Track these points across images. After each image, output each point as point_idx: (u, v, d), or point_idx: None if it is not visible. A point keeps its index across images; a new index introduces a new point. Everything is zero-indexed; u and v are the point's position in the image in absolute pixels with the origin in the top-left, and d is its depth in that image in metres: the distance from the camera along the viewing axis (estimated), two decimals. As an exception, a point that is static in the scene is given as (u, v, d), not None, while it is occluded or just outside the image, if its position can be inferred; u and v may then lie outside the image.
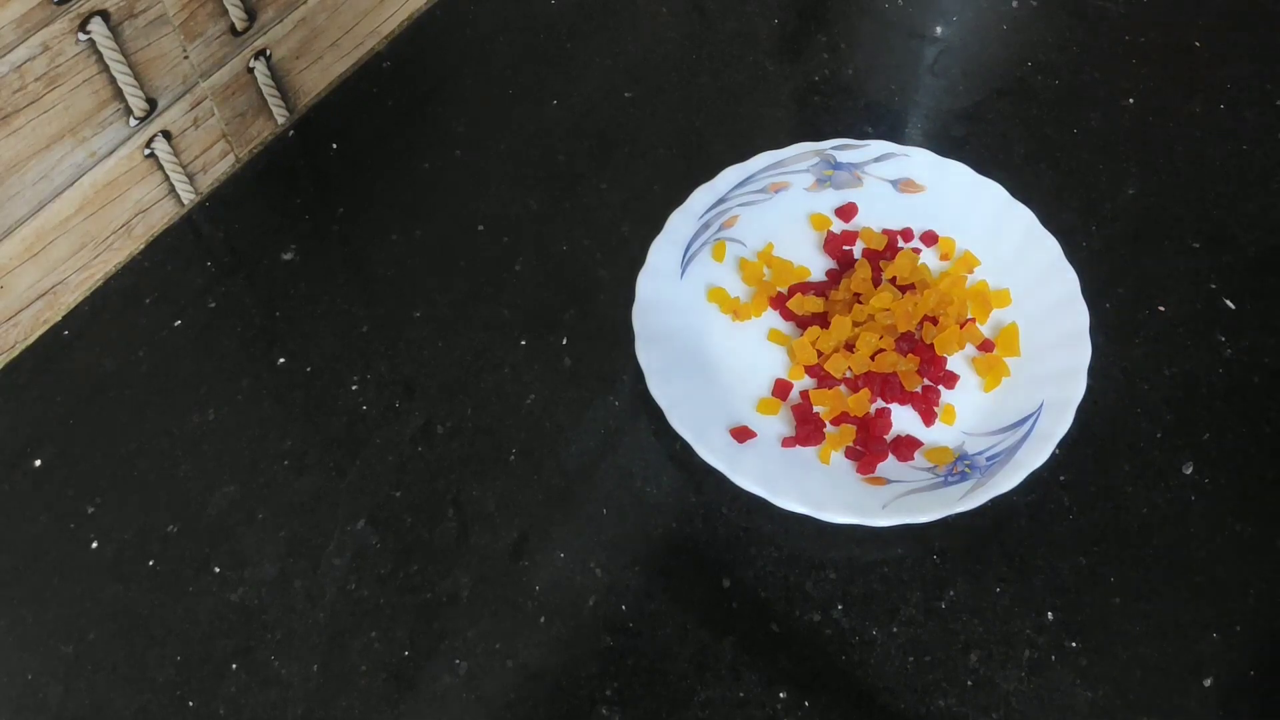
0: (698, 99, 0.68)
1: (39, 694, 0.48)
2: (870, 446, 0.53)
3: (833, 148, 0.62)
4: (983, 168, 0.61)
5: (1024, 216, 0.59)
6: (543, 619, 0.49)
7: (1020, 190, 0.60)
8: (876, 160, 0.62)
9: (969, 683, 0.47)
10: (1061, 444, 0.51)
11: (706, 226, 0.60)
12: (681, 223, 0.59)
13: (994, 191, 0.60)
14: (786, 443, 0.53)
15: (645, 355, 0.54)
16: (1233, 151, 0.64)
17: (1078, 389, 0.52)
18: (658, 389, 0.53)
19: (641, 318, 0.55)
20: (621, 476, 0.53)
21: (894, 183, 0.62)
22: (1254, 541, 0.51)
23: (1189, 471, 0.53)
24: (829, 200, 0.62)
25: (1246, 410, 0.54)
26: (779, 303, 0.58)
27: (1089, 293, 0.55)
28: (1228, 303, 0.58)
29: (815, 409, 0.54)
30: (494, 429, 0.55)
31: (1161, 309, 0.58)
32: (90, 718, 0.48)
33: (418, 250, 0.62)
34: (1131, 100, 0.67)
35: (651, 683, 0.48)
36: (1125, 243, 0.60)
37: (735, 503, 0.52)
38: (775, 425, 0.54)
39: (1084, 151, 0.64)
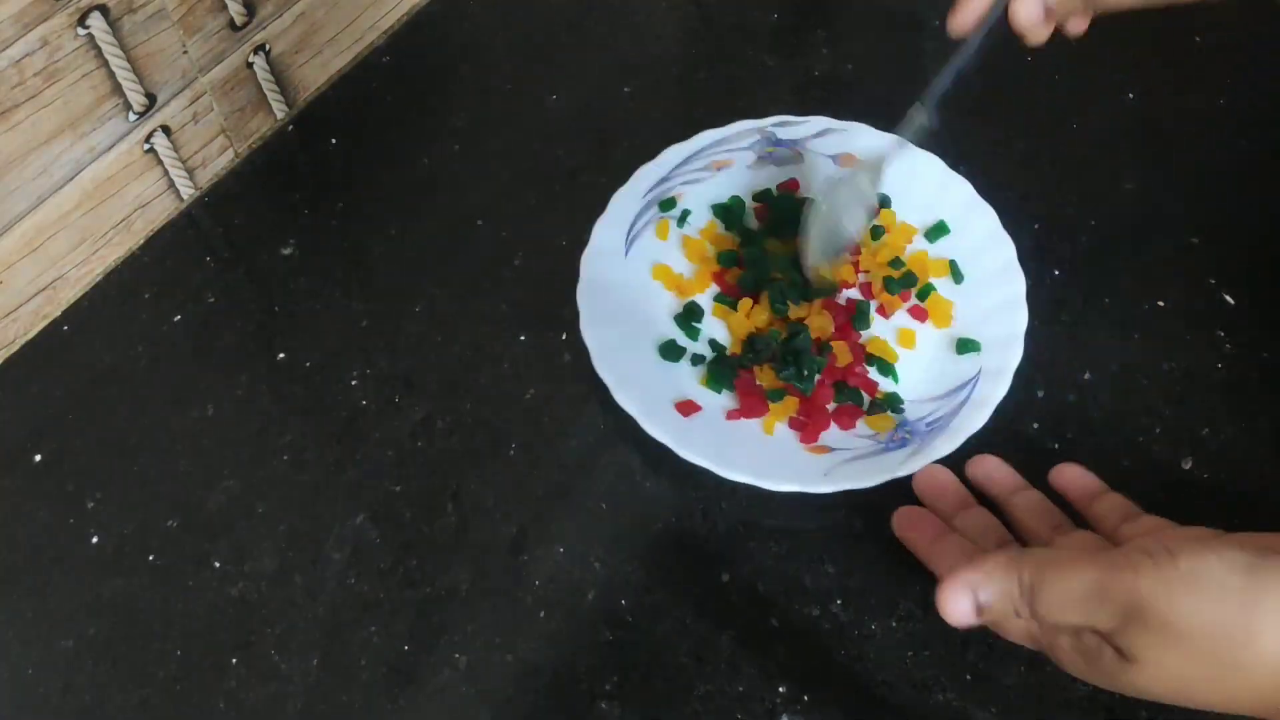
0: (696, 94, 0.68)
1: (39, 689, 0.48)
2: (813, 417, 0.53)
3: (773, 124, 0.62)
4: (982, 162, 0.61)
5: (962, 187, 0.59)
6: (542, 613, 0.49)
7: (1019, 184, 0.60)
8: (817, 136, 0.62)
9: (968, 677, 0.47)
10: (1061, 440, 0.51)
11: (650, 205, 0.60)
12: (625, 202, 0.59)
13: (932, 163, 0.60)
14: (731, 415, 0.54)
15: (590, 334, 0.54)
16: (1232, 146, 0.64)
17: (1014, 355, 0.53)
18: (603, 366, 0.53)
19: (587, 298, 0.55)
20: (620, 471, 0.53)
21: (834, 158, 0.62)
22: (1252, 536, 0.51)
23: (1188, 467, 0.53)
24: (770, 176, 0.62)
25: (1246, 405, 0.54)
26: (721, 278, 0.58)
27: (1088, 288, 0.55)
28: (1227, 298, 0.58)
29: (758, 382, 0.55)
30: (493, 423, 0.55)
31: (1160, 304, 0.58)
32: (91, 712, 0.48)
33: (417, 245, 0.62)
34: (1131, 95, 0.67)
35: (650, 676, 0.48)
36: (1124, 237, 0.60)
37: (734, 497, 0.52)
38: (720, 399, 0.55)
39: (1083, 146, 0.64)
